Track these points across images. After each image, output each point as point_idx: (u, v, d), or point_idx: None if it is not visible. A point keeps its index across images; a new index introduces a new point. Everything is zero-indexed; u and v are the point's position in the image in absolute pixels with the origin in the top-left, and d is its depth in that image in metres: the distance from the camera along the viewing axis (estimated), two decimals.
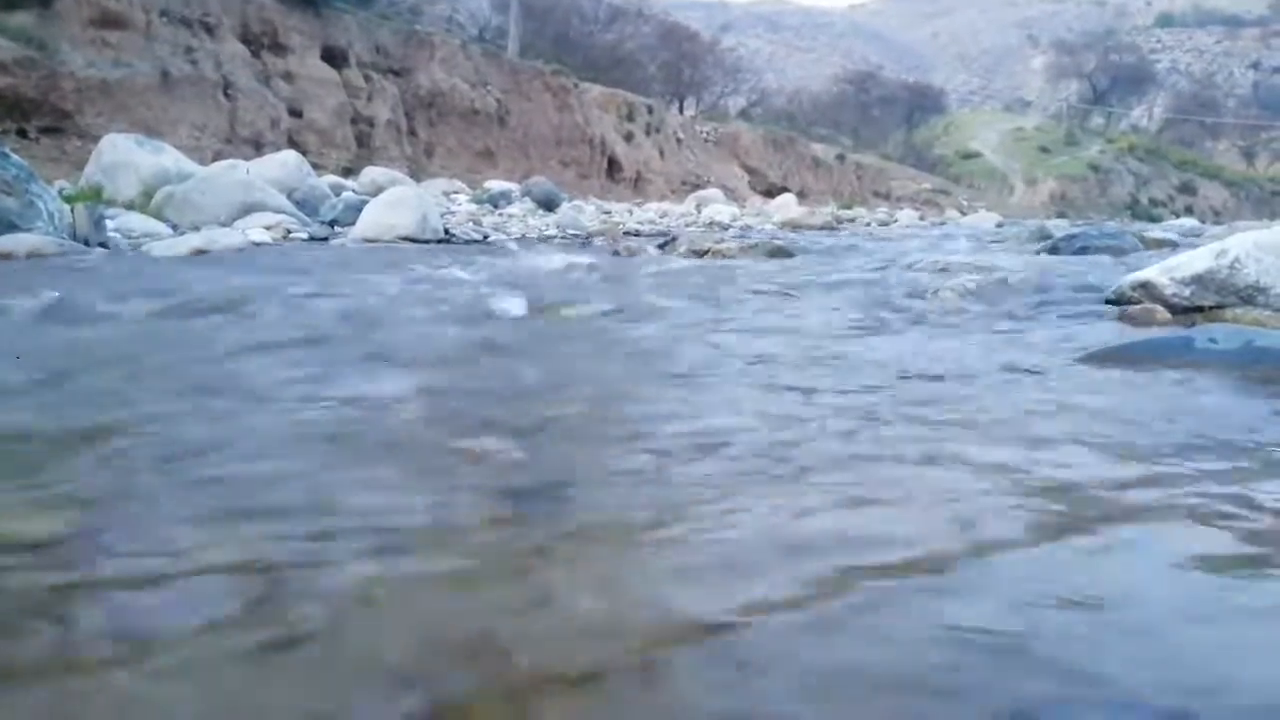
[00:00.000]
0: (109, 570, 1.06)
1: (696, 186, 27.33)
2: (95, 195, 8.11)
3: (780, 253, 7.13)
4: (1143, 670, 0.86)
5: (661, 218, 16.61)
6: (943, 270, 5.12)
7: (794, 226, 16.05)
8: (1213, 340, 2.47)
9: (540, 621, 0.95)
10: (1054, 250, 7.33)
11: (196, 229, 7.33)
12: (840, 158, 40.45)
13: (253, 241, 7.08)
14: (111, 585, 1.02)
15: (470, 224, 10.47)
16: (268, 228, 7.79)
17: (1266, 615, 1.00)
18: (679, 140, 31.58)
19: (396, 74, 20.73)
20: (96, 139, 9.88)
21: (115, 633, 0.91)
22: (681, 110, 38.84)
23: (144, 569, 1.06)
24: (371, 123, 19.36)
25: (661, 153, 29.75)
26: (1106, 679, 0.83)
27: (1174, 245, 7.62)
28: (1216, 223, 27.69)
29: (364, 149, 18.74)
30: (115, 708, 0.80)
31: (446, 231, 9.06)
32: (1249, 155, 67.82)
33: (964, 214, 31.78)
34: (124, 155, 8.81)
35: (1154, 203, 53.56)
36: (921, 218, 26.58)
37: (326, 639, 0.90)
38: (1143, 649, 0.91)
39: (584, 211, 15.02)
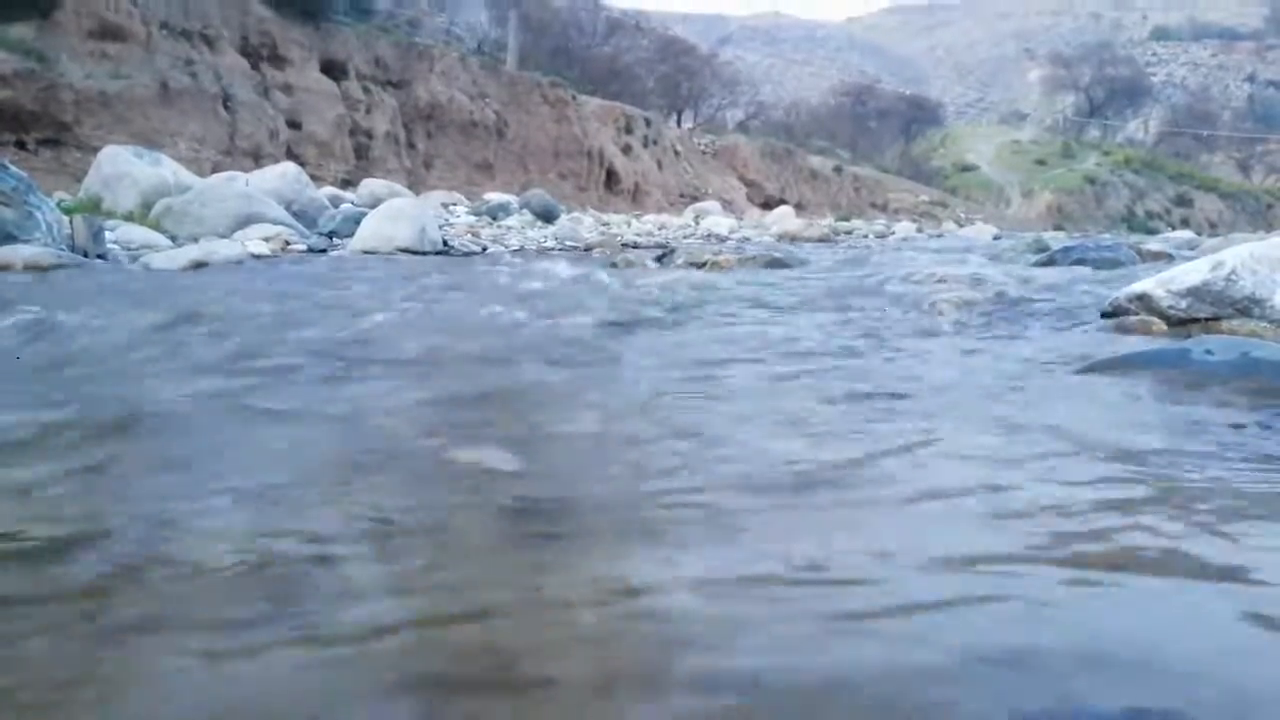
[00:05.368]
0: (105, 574, 1.06)
1: (694, 198, 27.41)
2: (94, 207, 8.13)
3: (778, 264, 7.14)
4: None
5: (660, 229, 16.65)
6: (940, 282, 5.13)
7: (792, 238, 16.08)
8: (1209, 352, 2.48)
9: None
10: (1050, 262, 7.34)
11: (195, 241, 7.35)
12: (838, 170, 40.56)
13: (251, 253, 7.09)
14: (107, 589, 1.02)
15: (468, 236, 10.49)
16: (266, 239, 7.79)
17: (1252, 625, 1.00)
18: (677, 152, 31.66)
19: (395, 86, 20.79)
20: (95, 151, 9.90)
21: (117, 631, 0.91)
22: (679, 123, 38.96)
23: (140, 573, 1.06)
24: (370, 135, 19.41)
25: (659, 165, 29.83)
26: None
27: (1170, 257, 7.63)
28: (1213, 235, 27.74)
29: (362, 161, 18.78)
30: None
31: (445, 243, 9.07)
32: (1245, 168, 68.06)
33: (961, 226, 31.85)
34: (123, 167, 8.83)
35: (1150, 215, 53.68)
36: (919, 230, 26.61)
37: (330, 634, 0.90)
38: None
39: (582, 223, 15.04)
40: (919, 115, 62.59)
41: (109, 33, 14.45)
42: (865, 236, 20.53)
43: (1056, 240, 11.96)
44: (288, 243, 8.05)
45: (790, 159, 37.55)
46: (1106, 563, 1.16)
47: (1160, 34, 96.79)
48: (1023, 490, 1.44)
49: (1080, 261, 7.06)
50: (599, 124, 27.26)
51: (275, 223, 8.43)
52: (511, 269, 6.77)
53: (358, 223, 8.68)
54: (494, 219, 13.37)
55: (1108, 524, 1.29)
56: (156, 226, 7.78)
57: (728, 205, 26.94)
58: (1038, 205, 52.08)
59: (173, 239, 7.43)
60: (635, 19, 42.16)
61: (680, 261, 7.50)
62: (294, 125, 17.59)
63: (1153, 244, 11.31)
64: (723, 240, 14.67)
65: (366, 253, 7.91)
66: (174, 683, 0.84)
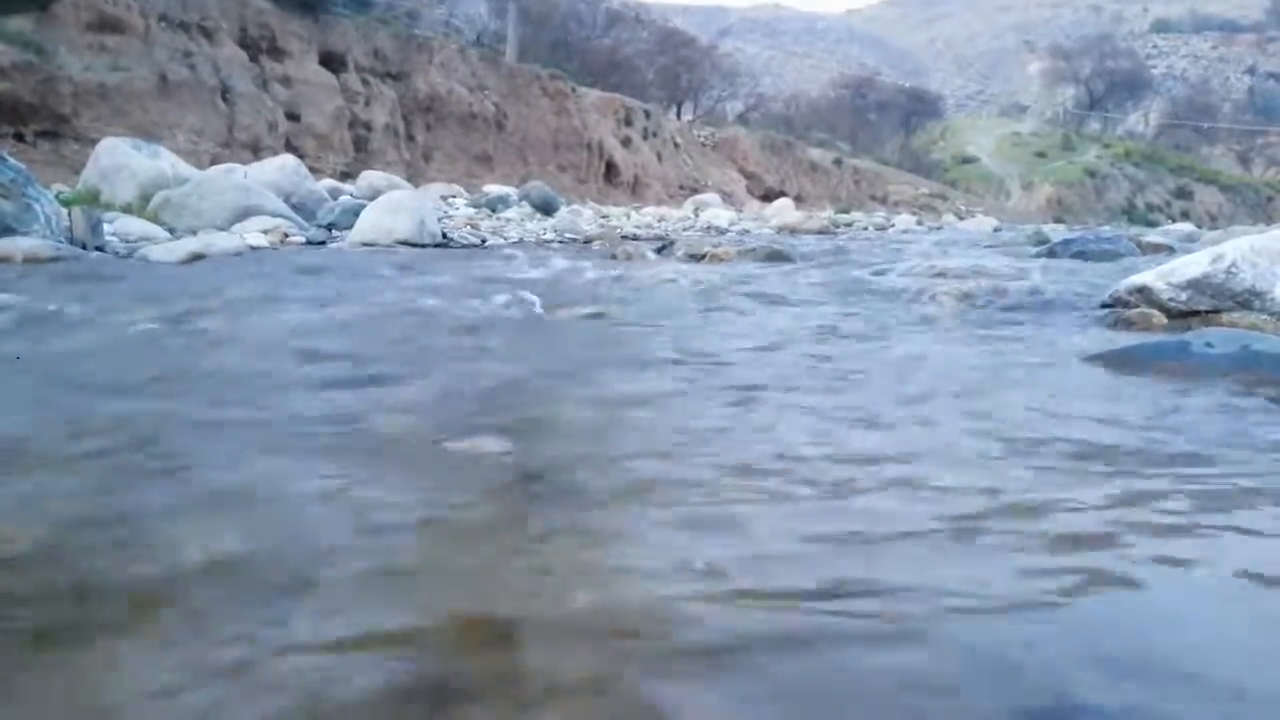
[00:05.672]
0: (98, 575, 1.06)
1: (694, 191, 27.34)
2: (92, 199, 8.10)
3: (778, 257, 7.13)
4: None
5: (659, 222, 16.62)
6: (940, 275, 5.13)
7: (791, 231, 16.07)
8: (1209, 344, 2.48)
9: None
10: (1051, 255, 7.34)
11: (194, 233, 7.32)
12: (838, 162, 40.44)
13: (250, 245, 7.08)
14: (105, 586, 1.02)
15: (468, 228, 10.46)
16: (265, 231, 7.78)
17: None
18: (676, 145, 31.58)
19: (394, 78, 20.71)
20: (94, 143, 9.86)
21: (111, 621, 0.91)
22: (679, 115, 38.85)
23: (137, 572, 1.06)
24: (369, 127, 19.34)
25: (659, 157, 29.76)
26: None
27: (1170, 250, 7.63)
28: (1213, 228, 27.72)
29: (361, 153, 18.72)
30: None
31: (444, 235, 9.05)
32: (1245, 160, 67.89)
33: (961, 219, 31.82)
34: (121, 159, 8.80)
35: (1150, 208, 53.58)
36: (919, 222, 26.60)
37: (319, 637, 0.90)
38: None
39: (582, 215, 15.01)
40: (919, 108, 62.38)
41: (107, 25, 14.38)
42: (865, 229, 20.49)
43: (1057, 233, 11.95)
44: (286, 235, 8.03)
45: (790, 151, 37.44)
46: (1103, 557, 1.16)
47: (1161, 26, 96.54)
48: (1021, 486, 1.44)
49: (1080, 254, 7.07)
50: (598, 116, 27.18)
51: (274, 215, 8.40)
52: (510, 262, 6.77)
53: (357, 215, 8.66)
54: (493, 211, 13.34)
55: (1104, 518, 1.29)
56: (155, 219, 7.75)
57: (727, 197, 26.89)
58: (1038, 198, 51.98)
59: (171, 231, 7.41)
60: (635, 11, 41.93)
61: (680, 254, 7.50)
62: (293, 117, 17.53)
63: (1153, 236, 11.30)
64: (722, 232, 14.65)
65: (365, 245, 7.90)
66: (166, 677, 0.84)
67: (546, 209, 14.04)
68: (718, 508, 1.32)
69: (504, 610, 0.97)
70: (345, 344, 2.84)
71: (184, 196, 8.18)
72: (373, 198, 9.53)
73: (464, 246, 8.93)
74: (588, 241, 10.57)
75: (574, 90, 26.28)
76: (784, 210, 20.82)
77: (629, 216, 17.05)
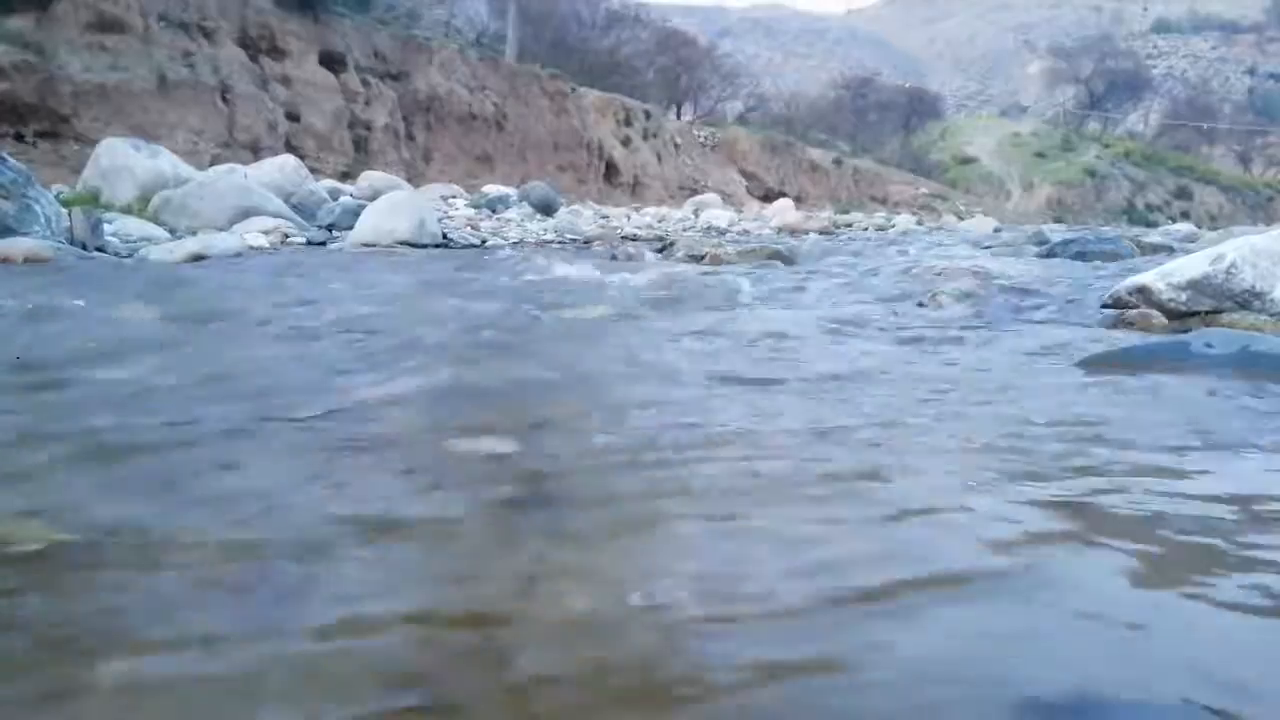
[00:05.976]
0: (105, 575, 1.06)
1: (694, 191, 27.33)
2: (92, 199, 8.11)
3: (777, 257, 7.13)
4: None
5: (659, 222, 16.62)
6: (940, 275, 5.13)
7: (791, 231, 16.07)
8: (1209, 345, 2.48)
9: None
10: (1051, 255, 7.35)
11: (194, 233, 7.33)
12: (838, 162, 40.43)
13: (250, 246, 7.08)
14: (109, 588, 1.02)
15: (468, 229, 10.47)
16: (265, 232, 7.78)
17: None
18: (676, 145, 31.57)
19: (394, 78, 20.72)
20: (94, 143, 9.87)
21: (113, 633, 0.91)
22: (679, 115, 38.83)
23: (140, 572, 1.06)
24: (369, 127, 19.34)
25: (659, 157, 29.75)
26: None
27: (1170, 250, 7.64)
28: (1213, 228, 27.71)
29: (361, 153, 18.72)
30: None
31: (444, 236, 9.06)
32: (1245, 160, 67.84)
33: (961, 219, 31.80)
34: (121, 159, 8.81)
35: (1150, 208, 53.55)
36: (919, 222, 26.60)
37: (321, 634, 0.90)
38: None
39: (581, 216, 15.02)
40: (919, 108, 62.26)
41: (107, 25, 14.38)
42: (865, 229, 20.49)
43: (1056, 233, 11.95)
44: (286, 236, 8.04)
45: (790, 152, 37.42)
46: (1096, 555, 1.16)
47: (1161, 26, 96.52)
48: (1022, 486, 1.44)
49: (1080, 254, 7.07)
50: (598, 116, 27.18)
51: (274, 216, 8.41)
52: (510, 262, 6.77)
53: (357, 215, 8.67)
54: (493, 212, 13.34)
55: (1105, 519, 1.29)
56: (155, 219, 7.76)
57: (727, 198, 26.87)
58: (1037, 198, 51.96)
59: (171, 232, 7.41)
60: (635, 11, 41.84)
61: (680, 254, 7.50)
62: (293, 117, 17.52)
63: (1153, 237, 11.31)
64: (722, 233, 14.65)
65: (366, 246, 7.90)
66: (163, 673, 0.84)
67: (546, 209, 14.04)
68: (716, 511, 1.32)
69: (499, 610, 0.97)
70: (344, 344, 2.84)
71: (184, 197, 8.19)
72: (373, 198, 9.54)
73: (464, 247, 8.93)
74: (588, 242, 10.58)
75: (574, 90, 26.27)
76: (784, 211, 20.81)
77: (629, 217, 17.05)
